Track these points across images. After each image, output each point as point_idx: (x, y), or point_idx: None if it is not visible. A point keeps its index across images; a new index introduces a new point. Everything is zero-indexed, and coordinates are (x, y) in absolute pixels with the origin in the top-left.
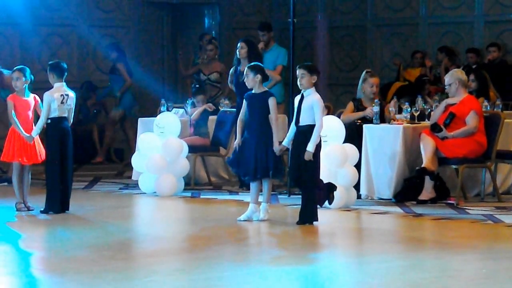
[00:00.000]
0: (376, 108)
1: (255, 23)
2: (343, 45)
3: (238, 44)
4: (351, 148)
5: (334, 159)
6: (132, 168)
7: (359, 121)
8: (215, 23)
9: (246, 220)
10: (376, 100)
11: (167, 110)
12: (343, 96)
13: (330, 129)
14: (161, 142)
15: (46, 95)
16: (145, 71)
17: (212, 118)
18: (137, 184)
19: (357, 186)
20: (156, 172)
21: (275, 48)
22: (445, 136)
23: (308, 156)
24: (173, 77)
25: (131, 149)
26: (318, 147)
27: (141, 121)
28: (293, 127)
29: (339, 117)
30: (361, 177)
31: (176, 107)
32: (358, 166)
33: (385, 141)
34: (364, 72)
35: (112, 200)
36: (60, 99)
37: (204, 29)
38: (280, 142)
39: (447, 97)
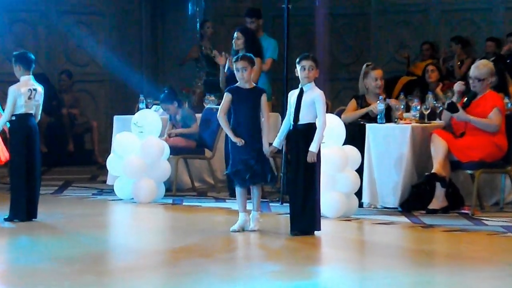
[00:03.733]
0: (381, 106)
1: (242, 10)
2: (344, 35)
3: (235, 34)
4: (352, 150)
5: (333, 162)
6: (107, 171)
7: (362, 120)
8: (200, 10)
9: (239, 231)
10: (380, 97)
11: (146, 107)
12: (343, 93)
13: (329, 129)
14: (139, 143)
15: (12, 89)
16: (121, 63)
17: (197, 116)
18: (113, 189)
19: (358, 193)
20: (133, 176)
21: (263, 39)
22: (463, 118)
23: (311, 157)
24: (153, 70)
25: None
26: (319, 148)
27: (117, 119)
28: (285, 126)
29: (339, 115)
30: (363, 183)
31: (157, 104)
32: (360, 170)
33: (391, 142)
34: (364, 66)
35: (85, 207)
36: (28, 94)
37: (187, 16)
38: (270, 144)
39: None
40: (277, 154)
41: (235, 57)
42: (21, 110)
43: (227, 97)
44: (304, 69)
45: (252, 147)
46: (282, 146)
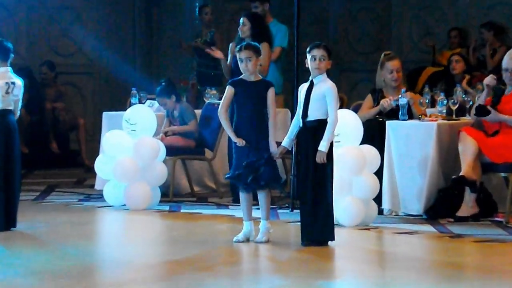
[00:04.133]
0: (403, 100)
1: None
2: (362, 21)
3: (240, 20)
4: (370, 150)
5: (349, 164)
6: (95, 174)
7: (380, 116)
8: None
9: (243, 241)
10: (402, 90)
11: (139, 102)
12: (360, 86)
13: (344, 127)
14: (131, 142)
15: None
16: (112, 53)
17: (196, 113)
18: (102, 194)
19: (378, 199)
20: (125, 180)
21: (272, 25)
22: (496, 119)
23: (320, 158)
24: (147, 60)
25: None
26: (331, 147)
27: (106, 115)
28: (296, 123)
29: (355, 111)
30: (383, 187)
31: (151, 99)
32: (379, 173)
33: (414, 141)
34: (382, 56)
35: (70, 214)
36: (5, 87)
37: (186, 1)
38: (279, 143)
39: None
40: (286, 155)
41: (238, 46)
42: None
43: (229, 90)
44: (315, 59)
45: (257, 148)
46: (292, 146)
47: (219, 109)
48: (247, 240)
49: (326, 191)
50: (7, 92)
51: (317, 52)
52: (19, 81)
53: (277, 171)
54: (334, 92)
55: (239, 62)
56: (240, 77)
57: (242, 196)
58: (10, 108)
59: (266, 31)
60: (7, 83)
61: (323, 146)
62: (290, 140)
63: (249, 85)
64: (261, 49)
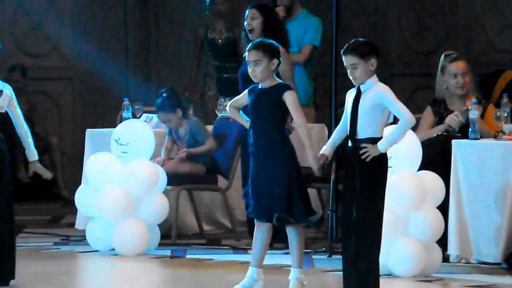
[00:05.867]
0: (474, 114)
1: None
2: (419, 11)
3: (246, 13)
4: (432, 178)
5: (404, 196)
6: (75, 210)
7: (444, 133)
8: None
9: None
10: (473, 101)
11: (133, 116)
12: (419, 94)
13: (398, 147)
14: (122, 168)
15: None
16: (100, 56)
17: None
18: (84, 236)
19: (442, 241)
20: (114, 217)
21: (302, 17)
22: None
23: (367, 153)
24: (143, 63)
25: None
26: (384, 171)
27: (90, 133)
28: (341, 129)
29: (412, 129)
30: (449, 226)
31: (148, 112)
32: (444, 207)
33: (490, 167)
34: (442, 57)
35: (43, 262)
36: None
37: None
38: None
39: None
40: (323, 184)
41: (248, 46)
42: None
43: (244, 93)
44: (346, 68)
45: (268, 168)
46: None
47: (231, 103)
48: None
49: (372, 232)
50: None
51: (346, 60)
52: (7, 90)
53: (303, 200)
54: (390, 93)
55: (250, 66)
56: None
57: (259, 231)
58: None
59: (281, 27)
60: None
61: (381, 144)
62: (332, 148)
63: (261, 93)
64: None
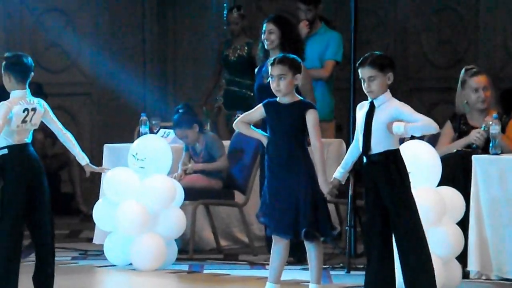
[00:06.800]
0: (495, 129)
1: None
2: (439, 24)
3: (264, 26)
4: (451, 194)
5: (423, 212)
6: (93, 225)
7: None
8: None
9: None
10: (494, 115)
11: (151, 131)
12: (438, 109)
13: (417, 162)
14: (140, 183)
15: (2, 106)
16: (114, 68)
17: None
18: (102, 251)
19: (462, 258)
20: (132, 232)
21: (322, 32)
22: None
23: (398, 132)
24: (160, 78)
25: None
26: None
27: (108, 149)
28: (352, 153)
29: (431, 143)
30: (469, 242)
31: (165, 127)
32: (464, 224)
33: (510, 182)
34: (462, 71)
35: (62, 277)
36: (22, 115)
37: (210, 1)
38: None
39: None
40: (340, 199)
41: (271, 60)
42: (11, 139)
43: (259, 108)
44: (364, 81)
45: (290, 184)
46: (349, 187)
47: (240, 119)
48: None
49: (421, 235)
50: (24, 121)
51: (363, 73)
52: (41, 109)
53: (327, 214)
54: (407, 106)
55: (270, 80)
56: (276, 99)
57: (276, 248)
58: (27, 141)
59: (300, 41)
60: (25, 109)
61: (406, 129)
62: (345, 171)
63: (282, 109)
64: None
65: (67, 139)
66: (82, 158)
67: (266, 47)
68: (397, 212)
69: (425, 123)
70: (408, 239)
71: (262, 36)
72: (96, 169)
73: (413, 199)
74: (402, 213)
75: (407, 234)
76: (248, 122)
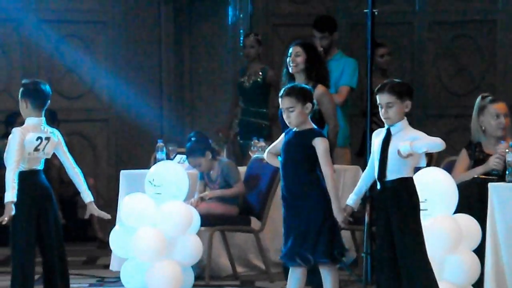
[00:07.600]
0: (511, 156)
1: (307, 16)
2: (455, 50)
3: (290, 50)
4: (468, 221)
5: (439, 239)
6: (110, 251)
7: (481, 176)
8: (245, 16)
9: None
10: (511, 143)
11: (167, 157)
12: (454, 135)
13: (433, 190)
14: (156, 209)
15: (16, 133)
16: (131, 92)
17: (240, 170)
18: (119, 277)
19: (479, 285)
20: (148, 258)
21: (338, 58)
22: None
23: (405, 151)
24: (177, 103)
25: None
26: (418, 213)
27: (124, 175)
28: (366, 179)
29: (448, 170)
30: (485, 270)
31: (182, 153)
32: (480, 251)
33: None
34: (478, 99)
35: None
36: (35, 144)
37: (227, 24)
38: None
39: None
40: (356, 226)
41: (281, 91)
42: (22, 166)
43: (282, 137)
44: (381, 107)
45: (296, 211)
46: (365, 215)
47: (265, 151)
48: None
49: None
50: (36, 149)
51: (380, 99)
52: (55, 139)
53: (339, 239)
54: (423, 133)
55: (285, 111)
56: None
57: (294, 274)
58: (37, 167)
59: (325, 68)
60: (39, 138)
61: (418, 146)
62: (357, 197)
63: (292, 137)
64: (314, 92)
65: (75, 174)
66: (87, 196)
67: (290, 70)
68: (403, 240)
69: (430, 139)
70: (413, 267)
71: (287, 59)
72: (98, 212)
73: (421, 228)
74: (408, 242)
75: (412, 263)
76: (275, 154)
